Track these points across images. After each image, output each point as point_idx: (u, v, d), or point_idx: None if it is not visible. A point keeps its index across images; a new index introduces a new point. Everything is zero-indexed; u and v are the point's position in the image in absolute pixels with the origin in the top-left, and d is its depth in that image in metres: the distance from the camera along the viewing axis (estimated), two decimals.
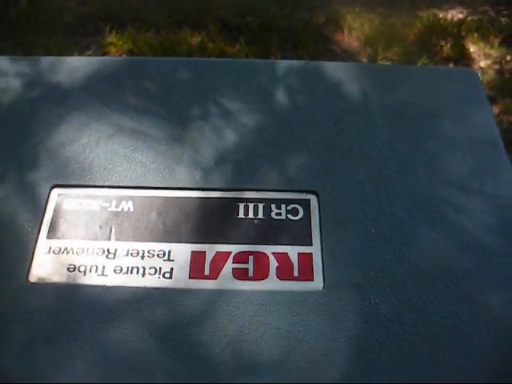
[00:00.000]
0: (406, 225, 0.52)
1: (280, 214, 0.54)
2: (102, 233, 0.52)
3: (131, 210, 0.53)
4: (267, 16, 1.91)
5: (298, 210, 0.54)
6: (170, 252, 0.51)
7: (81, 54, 1.83)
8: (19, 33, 1.88)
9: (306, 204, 0.54)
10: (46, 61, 0.71)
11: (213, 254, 0.51)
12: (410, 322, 0.46)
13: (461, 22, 1.95)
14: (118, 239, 0.52)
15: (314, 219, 0.53)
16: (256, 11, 1.94)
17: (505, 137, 1.54)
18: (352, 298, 0.48)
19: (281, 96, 0.64)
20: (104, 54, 1.83)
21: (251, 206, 0.54)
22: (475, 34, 1.88)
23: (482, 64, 1.80)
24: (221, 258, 0.50)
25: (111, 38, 1.84)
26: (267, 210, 0.54)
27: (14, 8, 2.01)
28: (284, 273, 0.50)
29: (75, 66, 0.68)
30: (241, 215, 0.53)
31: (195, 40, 1.85)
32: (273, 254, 0.51)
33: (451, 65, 1.80)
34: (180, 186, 0.55)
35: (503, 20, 1.99)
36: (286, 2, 2.03)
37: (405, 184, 0.56)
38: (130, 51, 1.81)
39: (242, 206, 0.54)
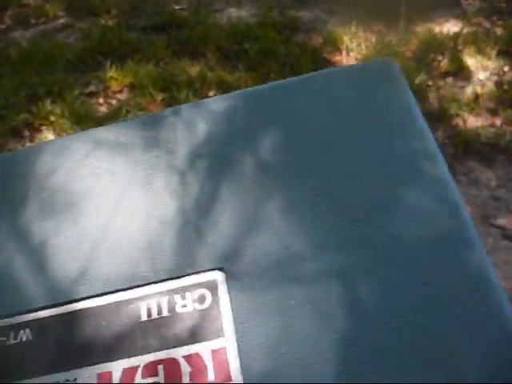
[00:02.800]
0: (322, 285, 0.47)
1: (185, 306, 0.47)
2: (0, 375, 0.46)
3: (30, 338, 0.47)
4: (265, 42, 1.94)
5: (204, 296, 0.47)
6: (75, 380, 0.45)
7: (82, 89, 1.85)
8: (22, 72, 1.91)
9: (212, 286, 0.47)
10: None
11: (120, 373, 0.44)
12: None
13: (456, 35, 1.97)
14: (17, 380, 0.45)
15: (223, 304, 0.46)
16: (254, 37, 1.97)
17: (510, 147, 1.55)
18: None
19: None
20: (105, 89, 1.85)
21: (153, 303, 0.47)
22: (472, 47, 1.90)
23: (481, 76, 1.82)
24: (129, 375, 0.44)
25: (111, 72, 1.87)
26: (171, 304, 0.47)
27: (15, 48, 2.04)
28: (199, 379, 0.43)
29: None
30: (144, 318, 0.47)
31: (195, 69, 1.87)
32: (184, 357, 0.44)
33: (450, 79, 1.81)
34: (67, 299, 0.49)
35: (498, 31, 2.01)
36: (282, 26, 2.05)
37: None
38: (131, 85, 1.83)
39: (143, 305, 0.47)
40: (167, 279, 0.49)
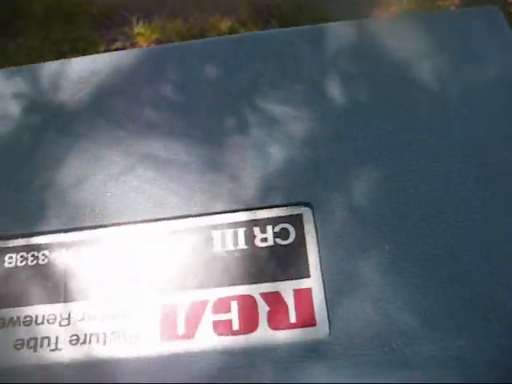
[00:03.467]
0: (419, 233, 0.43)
1: (266, 240, 0.41)
2: (52, 293, 0.41)
3: (82, 259, 0.43)
4: None
5: (288, 231, 0.41)
6: (134, 310, 0.41)
7: (108, 46, 1.78)
8: (46, 28, 1.84)
9: (297, 221, 0.42)
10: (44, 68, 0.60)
11: (186, 306, 0.40)
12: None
13: None
14: (71, 300, 0.41)
15: (309, 241, 0.41)
16: None
17: None
18: (366, 343, 0.37)
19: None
20: (132, 45, 1.78)
21: (229, 233, 0.42)
22: None
23: None
24: (197, 309, 0.39)
25: (138, 28, 1.79)
26: (249, 237, 0.42)
27: (40, 3, 1.97)
28: (278, 320, 0.39)
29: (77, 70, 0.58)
30: (217, 248, 0.42)
31: (225, 25, 1.78)
32: (261, 295, 0.40)
33: None
34: (137, 219, 0.44)
35: None
36: None
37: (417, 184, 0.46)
38: (158, 41, 1.75)
39: (217, 234, 0.42)
40: (244, 209, 0.43)
